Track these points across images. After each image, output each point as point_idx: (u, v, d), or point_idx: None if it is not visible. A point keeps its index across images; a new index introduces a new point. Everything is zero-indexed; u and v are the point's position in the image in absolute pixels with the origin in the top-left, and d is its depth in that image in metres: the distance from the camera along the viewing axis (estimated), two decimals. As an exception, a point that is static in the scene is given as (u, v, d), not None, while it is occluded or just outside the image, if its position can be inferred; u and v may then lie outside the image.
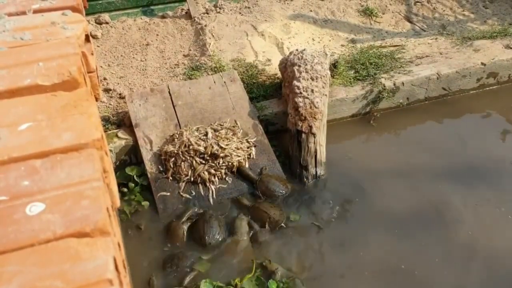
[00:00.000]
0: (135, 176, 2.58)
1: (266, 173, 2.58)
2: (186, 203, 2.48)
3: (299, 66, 2.79)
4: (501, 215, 2.43)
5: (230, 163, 2.55)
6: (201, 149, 2.54)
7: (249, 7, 4.00)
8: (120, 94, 3.01)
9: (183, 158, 2.53)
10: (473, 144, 2.91)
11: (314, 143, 2.62)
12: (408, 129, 3.08)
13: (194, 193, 2.51)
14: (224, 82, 2.97)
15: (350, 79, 3.14)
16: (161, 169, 2.57)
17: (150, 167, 2.57)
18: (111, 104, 2.95)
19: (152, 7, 4.08)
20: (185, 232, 2.33)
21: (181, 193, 2.50)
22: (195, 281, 2.10)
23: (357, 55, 3.36)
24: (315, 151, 2.62)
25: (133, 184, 2.56)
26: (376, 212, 2.45)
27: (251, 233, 2.34)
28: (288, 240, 2.31)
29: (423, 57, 3.41)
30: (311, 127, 2.61)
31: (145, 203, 2.49)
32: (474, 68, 3.26)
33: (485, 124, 3.10)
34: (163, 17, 3.88)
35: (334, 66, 3.14)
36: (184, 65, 3.33)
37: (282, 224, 2.37)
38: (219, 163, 2.54)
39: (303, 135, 2.61)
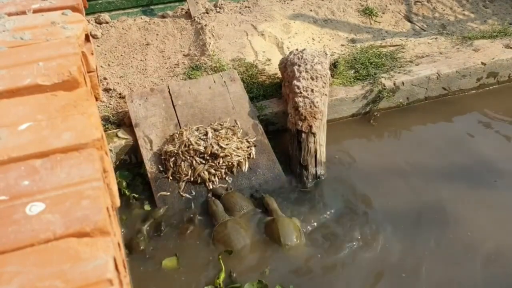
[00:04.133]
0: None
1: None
2: (186, 203, 2.48)
3: (299, 65, 2.79)
4: (501, 215, 2.42)
5: (230, 163, 2.55)
6: (201, 149, 2.54)
7: (249, 7, 4.00)
8: (120, 94, 3.01)
9: (183, 158, 2.53)
10: (473, 144, 2.91)
11: (314, 142, 2.62)
12: (408, 128, 3.08)
13: (194, 193, 2.51)
14: (224, 81, 2.96)
15: (350, 78, 3.14)
16: (161, 168, 2.57)
17: (150, 167, 2.57)
18: (111, 104, 2.95)
19: (152, 7, 4.08)
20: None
21: (181, 193, 2.50)
22: None
23: (357, 54, 3.36)
24: (315, 151, 2.62)
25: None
26: (376, 212, 2.44)
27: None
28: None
29: (423, 56, 3.41)
30: (311, 126, 2.61)
31: None
32: (474, 67, 3.26)
33: (485, 124, 3.10)
34: (163, 16, 3.88)
35: (334, 65, 3.14)
36: (184, 64, 3.33)
37: None
38: (219, 163, 2.54)
39: (303, 135, 2.61)
